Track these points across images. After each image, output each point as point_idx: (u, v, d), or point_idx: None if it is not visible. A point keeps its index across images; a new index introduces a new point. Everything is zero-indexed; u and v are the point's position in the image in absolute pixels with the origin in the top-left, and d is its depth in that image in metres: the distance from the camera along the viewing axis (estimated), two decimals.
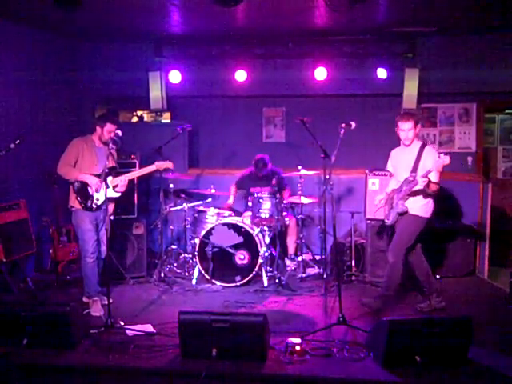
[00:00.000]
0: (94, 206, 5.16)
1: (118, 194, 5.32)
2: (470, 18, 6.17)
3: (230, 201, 6.84)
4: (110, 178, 5.21)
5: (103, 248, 5.28)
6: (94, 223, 5.21)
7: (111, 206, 5.35)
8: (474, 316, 3.95)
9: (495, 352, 4.15)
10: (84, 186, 5.12)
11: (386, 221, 5.14)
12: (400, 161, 5.12)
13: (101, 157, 5.19)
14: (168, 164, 5.59)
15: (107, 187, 5.12)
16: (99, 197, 5.15)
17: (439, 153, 4.67)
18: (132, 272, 6.09)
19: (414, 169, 4.87)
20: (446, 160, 4.49)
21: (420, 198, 4.92)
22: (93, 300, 5.14)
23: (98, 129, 5.18)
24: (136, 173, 5.53)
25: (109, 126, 5.13)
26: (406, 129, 4.96)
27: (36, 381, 3.87)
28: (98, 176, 5.11)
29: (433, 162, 4.66)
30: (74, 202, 5.16)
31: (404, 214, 4.96)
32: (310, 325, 4.73)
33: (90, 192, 5.14)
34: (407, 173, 4.92)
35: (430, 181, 4.68)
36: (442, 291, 5.27)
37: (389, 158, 5.30)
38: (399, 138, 5.11)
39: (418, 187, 4.80)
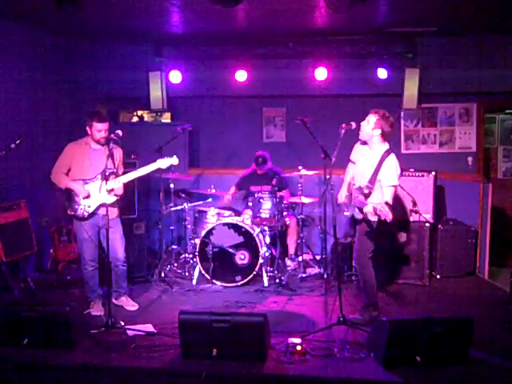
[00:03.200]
0: (86, 213, 4.92)
1: (114, 198, 4.99)
2: (470, 18, 6.17)
3: (228, 196, 6.80)
4: (103, 182, 4.81)
5: (119, 254, 5.05)
6: (93, 231, 4.99)
7: (112, 210, 5.00)
8: (474, 316, 3.95)
9: (495, 352, 4.14)
10: (73, 194, 4.92)
11: (346, 212, 4.86)
12: (362, 158, 4.79)
13: (96, 160, 4.93)
14: (173, 160, 5.05)
15: (100, 191, 4.79)
16: (91, 203, 4.92)
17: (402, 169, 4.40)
18: (132, 272, 6.06)
19: (373, 179, 4.51)
20: (382, 215, 4.12)
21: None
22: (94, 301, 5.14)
23: (88, 129, 4.92)
24: (134, 173, 5.01)
25: (96, 125, 4.83)
26: (366, 119, 4.63)
27: (36, 381, 3.87)
28: (90, 180, 4.91)
29: (387, 179, 4.41)
30: (69, 211, 5.01)
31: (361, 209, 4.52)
32: (310, 325, 4.73)
33: (77, 200, 4.91)
34: (365, 177, 4.59)
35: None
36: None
37: (354, 147, 4.94)
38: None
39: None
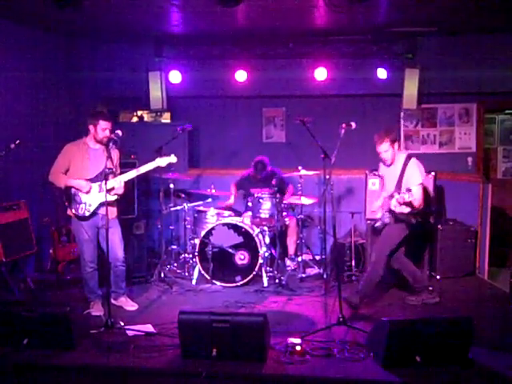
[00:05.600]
0: (87, 212, 4.92)
1: (114, 198, 5.00)
2: (470, 18, 6.17)
3: (231, 201, 6.83)
4: (103, 182, 4.77)
5: (118, 255, 5.04)
6: (92, 231, 4.99)
7: (112, 210, 5.00)
8: (474, 316, 3.95)
9: (495, 352, 4.15)
10: (73, 192, 4.92)
11: (376, 225, 5.16)
12: (387, 171, 5.14)
13: (95, 160, 4.94)
14: (171, 159, 5.08)
15: (100, 191, 4.84)
16: (92, 202, 4.93)
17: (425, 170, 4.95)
18: (132, 272, 6.06)
19: (399, 184, 4.88)
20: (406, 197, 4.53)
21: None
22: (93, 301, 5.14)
23: (91, 128, 4.93)
24: (134, 172, 5.03)
25: (102, 123, 4.88)
26: (382, 151, 4.94)
27: (36, 381, 3.87)
28: (90, 181, 4.91)
29: (413, 179, 4.80)
30: (70, 212, 5.01)
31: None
32: (310, 325, 4.73)
33: (78, 199, 4.92)
34: (393, 186, 4.95)
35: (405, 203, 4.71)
36: (436, 288, 5.39)
37: (380, 162, 5.27)
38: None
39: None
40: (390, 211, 4.90)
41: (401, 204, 4.70)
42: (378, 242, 5.10)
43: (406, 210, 4.87)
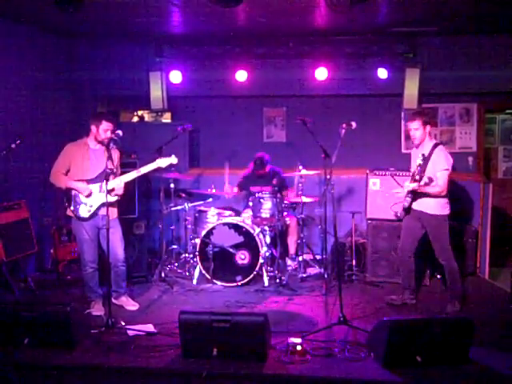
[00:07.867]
0: (88, 213, 4.94)
1: (115, 198, 5.02)
2: (470, 18, 6.17)
3: (228, 190, 6.74)
4: (104, 183, 4.77)
5: (118, 255, 5.07)
6: (93, 231, 5.00)
7: (112, 210, 5.03)
8: (474, 316, 3.95)
9: (495, 352, 4.14)
10: (74, 194, 4.93)
11: (399, 215, 5.20)
12: (414, 154, 5.17)
13: (96, 160, 4.96)
14: (172, 160, 5.09)
15: (101, 191, 4.87)
16: (92, 203, 4.94)
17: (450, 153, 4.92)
18: (132, 272, 6.07)
19: (423, 169, 4.87)
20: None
21: (430, 197, 4.95)
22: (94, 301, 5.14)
23: (93, 128, 4.95)
24: (135, 173, 5.05)
25: (105, 124, 4.90)
26: (412, 128, 5.02)
27: (36, 381, 3.87)
28: (91, 181, 4.92)
29: (438, 164, 4.83)
30: (70, 212, 5.01)
31: (408, 209, 5.02)
32: (310, 325, 4.73)
33: (79, 200, 4.93)
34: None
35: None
36: (417, 292, 5.40)
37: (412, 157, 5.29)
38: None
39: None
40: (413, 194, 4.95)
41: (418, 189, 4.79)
42: (435, 246, 5.09)
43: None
